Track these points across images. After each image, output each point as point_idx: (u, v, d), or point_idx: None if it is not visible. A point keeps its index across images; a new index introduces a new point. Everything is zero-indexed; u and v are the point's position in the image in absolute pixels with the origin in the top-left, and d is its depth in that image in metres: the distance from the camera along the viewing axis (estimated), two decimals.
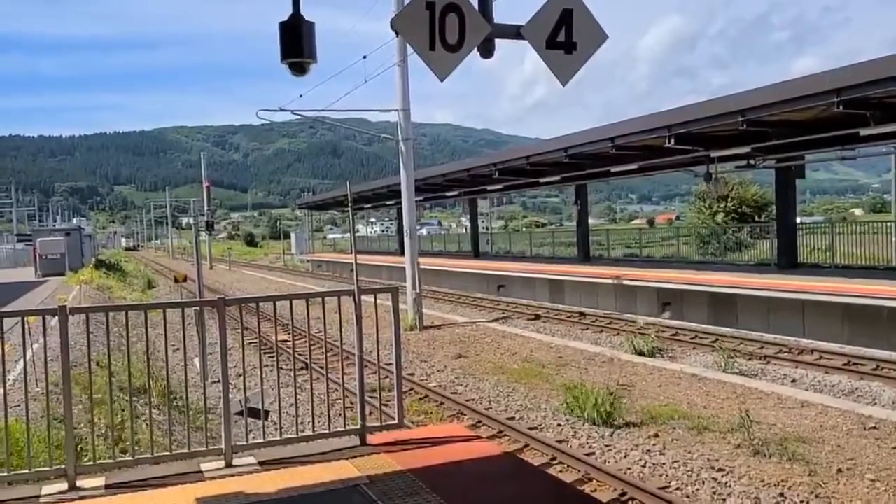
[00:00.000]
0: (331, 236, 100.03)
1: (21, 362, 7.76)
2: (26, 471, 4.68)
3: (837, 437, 8.51)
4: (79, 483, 4.54)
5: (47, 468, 4.70)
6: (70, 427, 4.63)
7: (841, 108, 14.20)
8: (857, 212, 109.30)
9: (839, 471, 7.43)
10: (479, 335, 17.44)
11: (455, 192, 36.69)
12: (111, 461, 4.90)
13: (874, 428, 8.72)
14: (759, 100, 16.02)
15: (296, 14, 4.38)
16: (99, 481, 4.61)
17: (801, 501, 6.78)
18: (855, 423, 8.91)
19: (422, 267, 20.86)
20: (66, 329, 4.60)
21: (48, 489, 4.51)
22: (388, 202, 44.75)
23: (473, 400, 11.24)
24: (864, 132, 15.87)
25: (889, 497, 6.74)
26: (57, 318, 4.66)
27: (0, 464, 4.82)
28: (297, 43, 4.37)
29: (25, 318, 5.12)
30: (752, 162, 20.84)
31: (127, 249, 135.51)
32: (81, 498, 4.35)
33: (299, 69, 4.44)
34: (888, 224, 21.55)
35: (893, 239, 19.62)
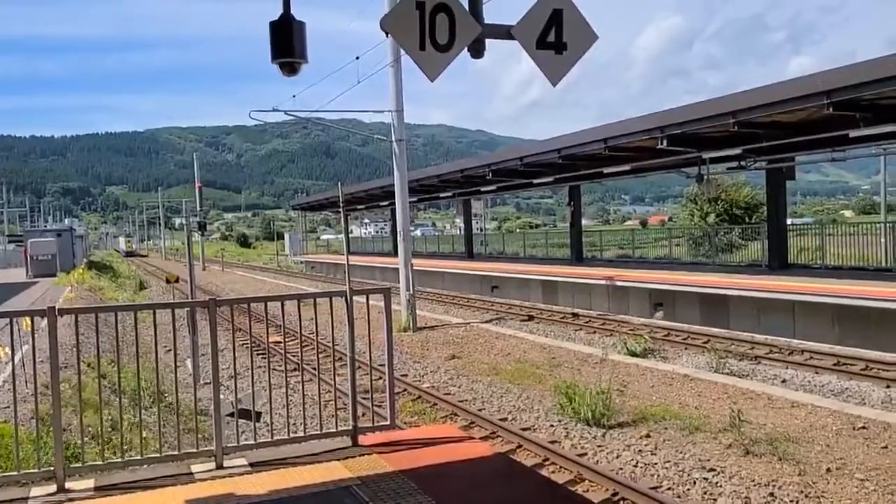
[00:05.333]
0: (324, 237, 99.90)
1: (10, 364, 7.72)
2: (14, 472, 4.65)
3: (827, 436, 8.54)
4: (68, 485, 4.51)
5: (36, 470, 4.67)
6: (59, 429, 4.61)
7: (831, 109, 14.29)
8: (847, 213, 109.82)
9: (829, 470, 7.45)
10: (472, 336, 17.44)
11: (449, 194, 36.72)
12: (100, 463, 4.88)
13: (863, 428, 8.75)
14: (750, 101, 16.10)
15: (286, 14, 4.37)
16: (88, 483, 4.58)
17: (791, 501, 6.80)
18: (844, 423, 8.95)
19: (415, 268, 20.85)
20: (56, 330, 4.57)
21: (37, 491, 4.48)
22: (381, 203, 44.71)
23: (466, 401, 11.24)
24: (853, 134, 15.97)
25: (878, 496, 6.77)
26: (46, 319, 4.64)
27: None
28: (287, 43, 4.36)
29: (16, 319, 5.09)
30: (743, 163, 20.96)
31: (127, 254, 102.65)
32: (70, 500, 4.32)
33: (290, 69, 4.43)
34: (877, 225, 21.68)
35: (882, 240, 19.72)
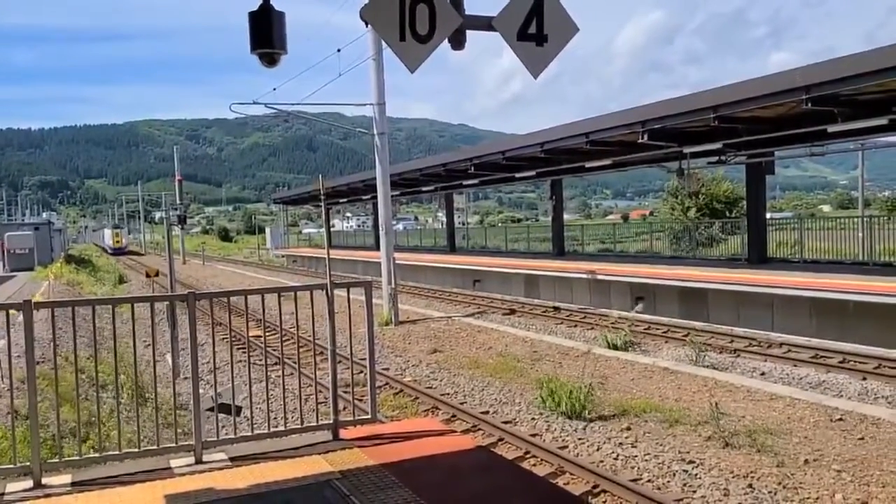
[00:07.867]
0: (306, 231, 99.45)
1: None
2: None
3: (805, 428, 8.64)
4: (44, 480, 4.46)
5: (12, 466, 4.60)
6: (35, 423, 4.54)
7: (810, 105, 14.42)
8: (825, 208, 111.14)
9: (806, 462, 7.54)
10: (454, 330, 17.44)
11: (431, 188, 36.68)
12: (78, 458, 4.81)
13: (840, 420, 8.87)
14: (730, 96, 16.21)
15: (265, 3, 4.33)
16: (65, 479, 4.52)
17: (769, 492, 6.88)
18: (822, 415, 9.06)
19: (397, 262, 20.81)
20: (31, 324, 4.50)
21: (13, 487, 4.42)
22: (363, 197, 44.60)
23: (448, 394, 11.24)
24: (831, 129, 16.13)
25: (854, 487, 6.86)
26: (22, 313, 4.56)
27: None
28: (267, 33, 4.32)
29: None
30: (723, 158, 21.11)
31: (116, 251, 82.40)
32: (47, 496, 4.26)
33: (270, 60, 4.39)
34: (854, 220, 21.95)
35: (860, 234, 19.97)
